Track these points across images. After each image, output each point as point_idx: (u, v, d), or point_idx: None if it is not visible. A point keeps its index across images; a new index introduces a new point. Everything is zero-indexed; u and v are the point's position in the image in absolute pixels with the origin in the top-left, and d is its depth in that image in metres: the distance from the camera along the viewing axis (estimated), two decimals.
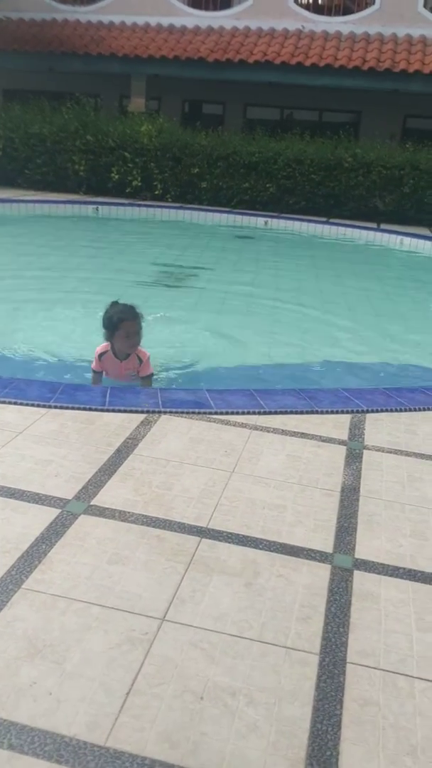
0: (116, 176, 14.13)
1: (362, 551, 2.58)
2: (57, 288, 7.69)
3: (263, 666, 1.98)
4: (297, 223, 13.00)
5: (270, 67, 14.62)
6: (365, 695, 1.91)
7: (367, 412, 3.89)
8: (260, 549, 2.54)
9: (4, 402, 3.62)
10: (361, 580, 2.41)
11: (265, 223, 13.01)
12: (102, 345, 4.17)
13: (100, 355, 4.17)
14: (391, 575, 2.45)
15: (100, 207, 13.08)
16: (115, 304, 4.14)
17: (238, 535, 2.61)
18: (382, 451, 3.43)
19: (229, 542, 2.56)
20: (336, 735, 1.77)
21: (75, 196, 13.91)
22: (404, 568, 2.50)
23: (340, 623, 2.18)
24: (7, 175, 14.56)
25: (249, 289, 8.33)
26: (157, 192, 14.17)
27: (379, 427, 3.70)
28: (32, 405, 3.61)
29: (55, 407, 3.61)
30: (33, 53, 15.63)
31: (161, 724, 1.76)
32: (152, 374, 4.25)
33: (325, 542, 2.62)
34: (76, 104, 14.74)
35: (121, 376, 4.20)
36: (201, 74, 15.19)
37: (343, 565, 2.49)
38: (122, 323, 3.97)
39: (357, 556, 2.55)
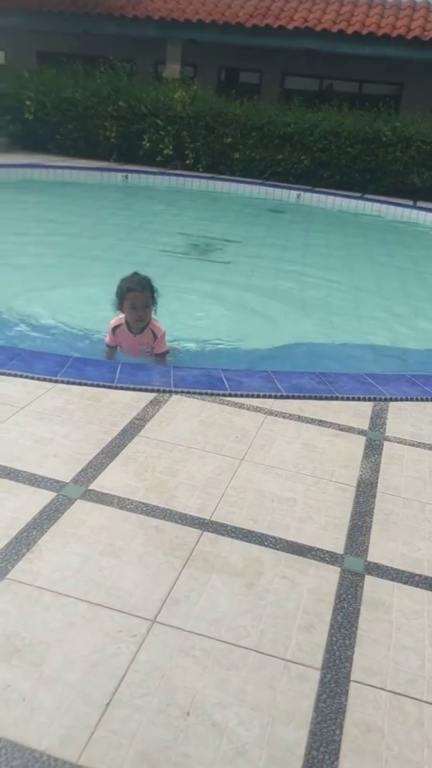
0: (147, 144, 13.83)
1: (375, 554, 2.39)
2: (79, 256, 7.52)
3: (258, 680, 1.81)
4: (330, 198, 12.60)
5: (310, 34, 14.08)
6: (368, 720, 1.73)
7: (391, 400, 3.66)
8: (265, 546, 2.36)
9: (8, 374, 3.47)
10: (372, 586, 2.22)
11: (298, 196, 12.64)
12: (117, 317, 3.99)
13: (114, 328, 3.99)
14: (405, 582, 2.26)
15: (129, 175, 12.83)
16: (134, 274, 3.95)
17: (242, 529, 2.44)
18: (404, 444, 3.21)
19: (233, 537, 2.39)
20: (332, 766, 1.60)
21: (105, 164, 13.67)
22: (420, 575, 2.30)
23: (346, 635, 2.00)
24: (38, 140, 14.35)
25: (276, 265, 8.06)
26: (188, 161, 13.85)
27: (403, 417, 3.48)
28: (38, 379, 3.45)
29: (62, 382, 3.45)
30: (68, 14, 15.28)
31: (141, 741, 1.61)
32: (167, 352, 4.06)
33: (336, 542, 2.43)
34: (110, 69, 14.41)
35: (135, 351, 4.02)
36: (238, 40, 14.71)
37: (353, 568, 2.30)
38: (128, 293, 3.79)
39: (369, 558, 2.36)
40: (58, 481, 2.60)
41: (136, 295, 3.78)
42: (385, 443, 3.21)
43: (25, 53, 17.46)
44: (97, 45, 16.86)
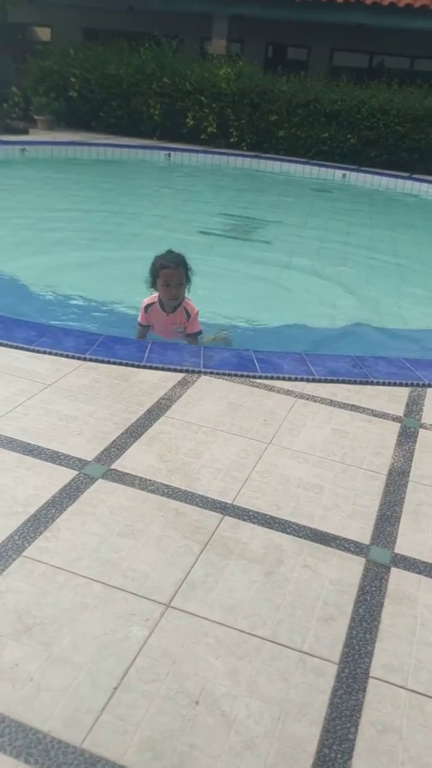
0: (191, 122, 13.66)
1: (403, 545, 2.29)
2: (118, 233, 7.48)
3: (272, 671, 1.75)
4: (377, 178, 12.26)
5: (360, 8, 13.61)
6: (386, 719, 1.65)
7: (429, 386, 3.53)
8: (288, 533, 2.29)
9: (38, 351, 3.45)
10: (397, 579, 2.13)
11: (343, 176, 12.34)
12: (150, 296, 3.93)
13: (147, 307, 3.93)
14: None
15: (172, 153, 12.71)
16: (169, 251, 3.88)
17: (265, 515, 2.37)
18: None
19: (254, 523, 2.32)
20: (345, 765, 1.53)
21: (148, 141, 13.56)
22: None
23: (368, 629, 1.92)
24: (82, 118, 14.31)
25: (318, 245, 7.88)
26: (232, 139, 13.64)
27: None
28: (67, 356, 3.43)
29: (91, 360, 3.42)
30: None
31: (147, 728, 1.57)
32: (200, 332, 3.98)
33: (362, 532, 2.34)
34: (155, 45, 14.24)
35: (167, 331, 3.95)
36: (286, 15, 14.32)
37: (379, 559, 2.21)
38: (162, 270, 3.71)
39: (397, 550, 2.27)
40: (80, 460, 2.57)
41: (170, 272, 3.70)
42: (421, 431, 3.09)
43: (71, 30, 17.38)
44: (143, 21, 16.66)
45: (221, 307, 5.38)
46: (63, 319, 4.66)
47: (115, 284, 5.61)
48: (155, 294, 3.89)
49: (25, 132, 13.32)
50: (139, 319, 4.03)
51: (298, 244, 7.79)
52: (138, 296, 4.26)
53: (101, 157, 12.22)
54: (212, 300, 5.57)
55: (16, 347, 3.48)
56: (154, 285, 3.81)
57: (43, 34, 18.94)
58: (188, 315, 3.90)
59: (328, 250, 7.71)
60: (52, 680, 1.66)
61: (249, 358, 3.60)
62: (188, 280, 3.79)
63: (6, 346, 3.48)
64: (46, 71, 14.17)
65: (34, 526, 2.19)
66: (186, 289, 3.84)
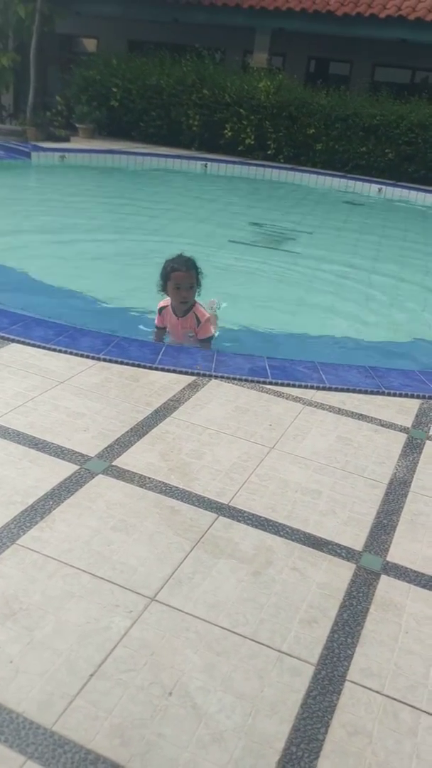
0: (229, 133, 13.78)
1: (396, 554, 2.28)
2: (150, 241, 7.58)
3: (248, 669, 1.76)
4: (413, 193, 12.20)
5: (403, 24, 13.60)
6: (358, 722, 1.65)
7: None
8: (280, 536, 2.30)
9: (54, 350, 3.53)
10: (386, 586, 2.12)
11: (379, 190, 12.31)
12: (165, 299, 3.99)
13: (161, 309, 3.99)
14: (423, 586, 2.15)
15: (209, 164, 12.84)
16: (179, 255, 3.93)
17: (259, 517, 2.38)
18: None
19: (248, 524, 2.34)
20: (311, 764, 1.53)
21: (186, 152, 13.72)
22: None
23: (350, 633, 1.92)
24: (122, 128, 14.57)
25: (347, 258, 7.87)
26: (269, 151, 13.72)
27: None
28: (81, 356, 3.49)
29: (104, 360, 3.48)
30: (158, 2, 15.39)
31: (118, 715, 1.59)
32: (212, 337, 4.02)
33: (355, 538, 2.34)
34: (196, 57, 14.43)
35: (179, 335, 4.00)
36: (328, 29, 14.38)
37: (370, 566, 2.20)
38: (173, 273, 3.76)
39: (389, 558, 2.26)
40: (83, 455, 2.62)
41: (181, 275, 3.75)
42: (427, 442, 3.07)
43: (116, 41, 17.72)
44: (187, 34, 16.91)
45: (245, 313, 5.42)
46: (86, 320, 4.74)
47: (140, 289, 5.69)
48: (168, 298, 3.94)
49: (67, 140, 13.60)
50: (155, 321, 4.08)
51: (326, 257, 7.78)
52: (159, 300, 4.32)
53: (139, 166, 12.41)
54: (236, 306, 5.61)
55: (33, 345, 3.56)
56: (164, 289, 3.86)
57: (90, 45, 19.32)
58: (198, 321, 3.94)
59: (357, 263, 7.69)
60: (30, 664, 1.70)
61: (261, 365, 3.62)
62: (198, 283, 3.83)
63: (23, 343, 3.57)
64: (89, 81, 14.48)
65: (30, 516, 2.25)
66: (197, 293, 3.88)
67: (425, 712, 1.70)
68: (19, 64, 14.56)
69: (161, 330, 4.09)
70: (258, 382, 3.44)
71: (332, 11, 13.77)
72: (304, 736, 1.60)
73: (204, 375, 3.43)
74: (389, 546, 2.32)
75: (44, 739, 1.52)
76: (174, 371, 3.44)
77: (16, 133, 13.46)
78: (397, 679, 1.78)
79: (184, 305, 3.87)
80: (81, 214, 8.56)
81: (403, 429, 3.15)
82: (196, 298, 3.94)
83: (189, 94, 13.81)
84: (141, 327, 4.55)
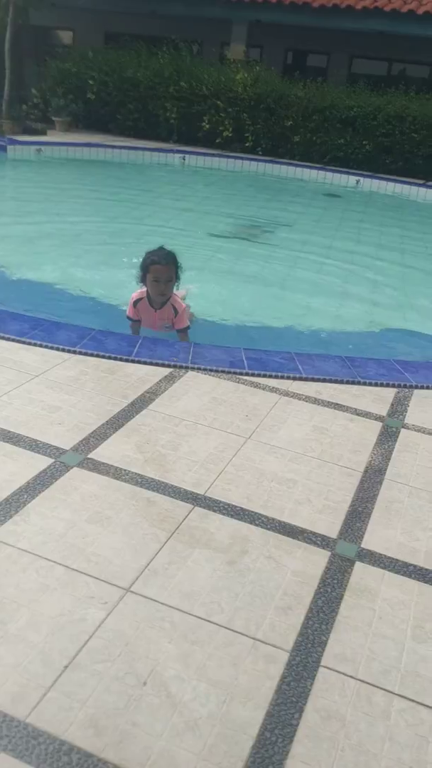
0: (207, 126, 13.74)
1: (371, 541, 2.30)
2: (127, 234, 7.54)
3: (223, 656, 1.76)
4: (391, 184, 12.26)
5: (380, 15, 13.61)
6: (331, 707, 1.66)
7: (416, 387, 3.53)
8: (256, 525, 2.30)
9: (29, 343, 3.50)
10: (361, 573, 2.14)
11: (357, 182, 12.35)
12: (138, 291, 3.98)
13: (135, 302, 3.98)
14: (397, 572, 2.17)
15: (187, 156, 12.79)
16: (160, 248, 3.92)
17: (235, 507, 2.39)
18: (423, 432, 3.09)
19: (224, 514, 2.34)
20: (285, 749, 1.54)
21: (164, 144, 13.66)
22: (415, 566, 2.20)
23: (324, 620, 1.93)
24: (100, 121, 14.46)
25: (325, 251, 7.89)
26: (247, 144, 13.69)
27: (426, 406, 3.34)
28: (57, 349, 3.47)
29: (80, 353, 3.46)
30: None
31: (92, 706, 1.59)
32: (188, 327, 4.02)
33: (330, 526, 2.35)
34: (173, 49, 14.35)
35: (156, 326, 3.99)
36: (305, 21, 14.36)
37: (345, 553, 2.22)
38: (152, 266, 3.76)
39: (364, 545, 2.28)
40: (58, 448, 2.61)
41: (160, 268, 3.75)
42: (402, 431, 3.09)
43: (93, 34, 17.57)
44: (164, 25, 16.80)
45: (222, 305, 5.42)
46: (63, 313, 4.71)
47: (115, 281, 5.66)
48: (144, 289, 3.93)
49: (43, 133, 13.47)
50: (128, 313, 4.07)
51: (305, 248, 7.81)
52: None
53: (116, 159, 12.34)
54: (214, 297, 5.61)
55: (9, 339, 3.53)
56: (143, 280, 3.85)
57: (66, 37, 19.13)
58: (176, 311, 3.93)
59: (335, 254, 7.71)
60: (4, 657, 1.69)
61: (238, 356, 3.63)
62: (177, 277, 3.82)
63: None
64: (65, 73, 14.35)
65: (5, 510, 2.23)
66: (175, 287, 3.87)
67: (398, 695, 1.72)
68: None
69: (136, 322, 4.08)
70: (235, 373, 3.44)
71: (309, 3, 13.76)
72: (279, 721, 1.61)
73: (181, 367, 3.43)
74: (364, 533, 2.34)
75: (18, 731, 1.51)
76: (150, 363, 3.43)
77: None
78: (371, 664, 1.80)
79: (162, 298, 3.86)
80: (57, 208, 8.50)
81: (378, 418, 3.18)
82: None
83: (166, 86, 13.74)
84: (118, 320, 4.53)
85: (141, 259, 3.84)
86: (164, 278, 3.77)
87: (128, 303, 4.06)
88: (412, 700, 1.71)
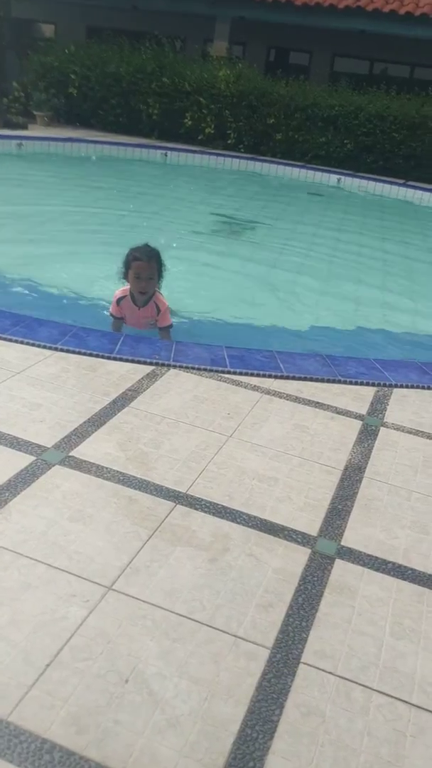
0: (189, 122, 13.71)
1: (351, 538, 2.33)
2: (107, 231, 7.51)
3: (204, 654, 1.78)
4: (372, 183, 12.34)
5: (362, 14, 13.67)
6: (311, 703, 1.69)
7: (396, 386, 3.57)
8: (237, 523, 2.32)
9: (10, 340, 3.48)
10: (341, 570, 2.17)
11: (338, 180, 12.41)
12: (122, 288, 3.97)
13: (119, 300, 3.97)
14: (376, 569, 2.19)
15: (169, 153, 12.76)
16: (145, 245, 3.92)
17: (216, 505, 2.40)
18: (402, 431, 3.12)
19: (206, 512, 2.35)
20: (265, 745, 1.56)
21: (145, 140, 13.60)
22: (394, 563, 2.23)
23: (304, 617, 1.95)
24: (81, 116, 14.36)
25: (306, 248, 7.93)
26: (229, 141, 13.69)
27: (405, 405, 3.38)
28: (38, 345, 3.46)
29: (61, 350, 3.45)
30: None
31: (74, 704, 1.60)
32: (171, 326, 4.02)
33: (311, 524, 2.37)
34: (155, 45, 14.30)
35: (139, 323, 3.99)
36: (287, 18, 14.37)
37: (324, 551, 2.24)
38: (134, 263, 3.76)
39: (343, 543, 2.30)
40: (39, 446, 2.60)
41: (142, 264, 3.74)
42: (382, 429, 3.12)
43: (74, 28, 17.45)
44: (146, 21, 16.73)
45: (203, 303, 5.43)
46: (43, 310, 4.69)
47: (98, 279, 5.64)
48: (127, 286, 3.93)
49: (24, 127, 13.35)
50: (111, 310, 4.06)
51: (286, 246, 7.84)
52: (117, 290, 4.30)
53: (98, 154, 12.26)
54: (195, 295, 5.62)
55: None
56: (126, 276, 3.85)
57: (48, 30, 18.97)
58: (158, 309, 3.94)
59: (316, 253, 7.75)
60: None
61: (220, 354, 3.64)
62: (160, 275, 3.82)
63: None
64: (47, 67, 14.22)
65: None
66: (158, 285, 3.88)
67: (377, 690, 1.75)
68: None
69: (119, 320, 4.07)
70: (217, 371, 3.46)
71: (291, 1, 13.77)
72: (259, 717, 1.63)
73: (163, 364, 3.43)
74: (344, 531, 2.36)
75: (0, 729, 1.51)
76: (132, 361, 3.43)
77: None
78: (350, 660, 1.83)
79: (143, 296, 3.86)
80: (38, 203, 8.43)
81: (358, 416, 3.21)
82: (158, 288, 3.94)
83: (148, 82, 13.68)
84: (99, 316, 4.52)
85: (124, 255, 3.83)
86: (145, 275, 3.77)
87: (111, 300, 4.05)
88: (390, 696, 1.73)
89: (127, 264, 3.79)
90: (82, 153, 12.22)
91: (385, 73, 16.46)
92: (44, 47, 15.20)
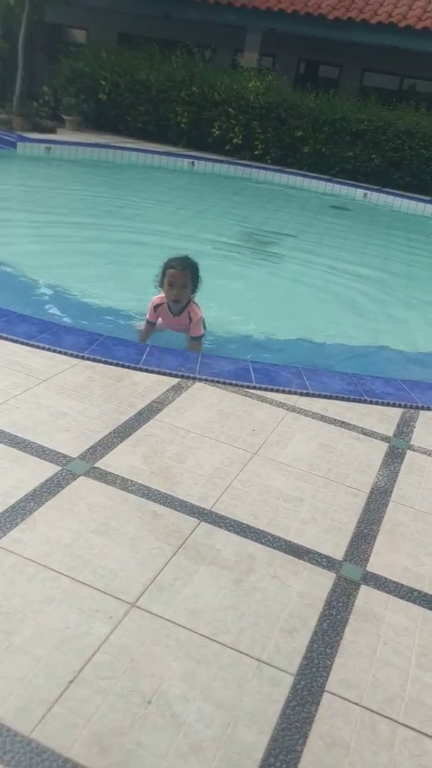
0: (218, 132, 13.77)
1: (376, 564, 2.30)
2: (132, 241, 7.54)
3: (228, 677, 1.76)
4: (398, 200, 12.31)
5: (394, 30, 13.69)
6: (336, 734, 1.66)
7: (423, 408, 3.53)
8: (262, 543, 2.30)
9: (37, 347, 3.50)
10: (366, 596, 2.14)
11: (364, 195, 12.40)
12: (159, 295, 4.02)
13: (156, 306, 4.04)
14: (402, 597, 2.16)
15: (196, 162, 12.81)
16: (183, 255, 3.97)
17: (241, 523, 2.38)
18: (428, 455, 3.09)
19: (230, 530, 2.34)
20: None
21: (173, 148, 13.68)
22: (420, 591, 2.20)
23: (329, 643, 1.92)
24: (110, 121, 14.48)
25: (331, 263, 7.90)
26: (257, 152, 13.73)
27: None
28: (65, 353, 3.47)
29: (88, 359, 3.45)
30: None
31: (97, 723, 1.58)
32: (202, 336, 4.04)
33: (336, 547, 2.35)
34: (186, 53, 14.39)
35: (174, 328, 4.06)
36: (319, 32, 14.43)
37: (350, 576, 2.22)
38: (168, 270, 3.84)
39: (369, 568, 2.27)
40: (65, 456, 2.60)
41: (176, 273, 3.80)
42: (408, 452, 3.09)
43: (106, 33, 17.60)
44: (178, 30, 16.85)
45: (228, 316, 5.42)
46: (69, 318, 4.71)
47: (123, 287, 5.66)
48: (164, 294, 3.97)
49: (53, 131, 13.47)
50: (147, 316, 4.11)
51: (311, 260, 7.82)
52: (144, 301, 4.31)
53: (125, 160, 12.35)
54: (220, 308, 5.61)
55: (16, 341, 3.52)
56: (161, 284, 3.91)
57: (79, 36, 19.17)
58: (191, 319, 3.97)
59: (341, 268, 7.73)
60: (9, 669, 1.68)
61: (245, 368, 3.63)
62: (195, 286, 3.87)
63: (7, 339, 3.53)
64: (78, 72, 14.37)
65: (11, 517, 2.22)
66: (192, 295, 3.92)
67: (402, 724, 1.72)
68: (7, 52, 14.40)
69: (151, 324, 4.10)
70: (242, 386, 3.44)
71: (324, 14, 13.82)
72: (283, 747, 1.60)
73: (188, 377, 3.42)
74: (369, 556, 2.34)
75: (22, 747, 1.50)
76: (158, 372, 3.43)
77: (2, 121, 13.30)
78: (376, 691, 1.80)
79: (176, 304, 3.90)
80: (66, 208, 8.50)
81: (384, 438, 3.18)
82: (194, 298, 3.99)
83: (178, 90, 13.78)
84: (126, 326, 4.53)
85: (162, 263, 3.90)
86: (178, 284, 3.81)
87: (147, 307, 4.11)
88: (417, 730, 1.70)
89: (163, 271, 3.86)
90: (109, 159, 12.29)
91: (415, 89, 16.43)
92: (75, 52, 15.36)
